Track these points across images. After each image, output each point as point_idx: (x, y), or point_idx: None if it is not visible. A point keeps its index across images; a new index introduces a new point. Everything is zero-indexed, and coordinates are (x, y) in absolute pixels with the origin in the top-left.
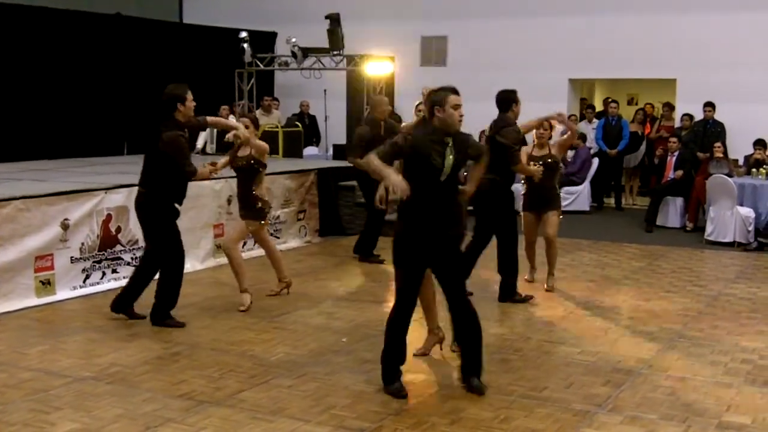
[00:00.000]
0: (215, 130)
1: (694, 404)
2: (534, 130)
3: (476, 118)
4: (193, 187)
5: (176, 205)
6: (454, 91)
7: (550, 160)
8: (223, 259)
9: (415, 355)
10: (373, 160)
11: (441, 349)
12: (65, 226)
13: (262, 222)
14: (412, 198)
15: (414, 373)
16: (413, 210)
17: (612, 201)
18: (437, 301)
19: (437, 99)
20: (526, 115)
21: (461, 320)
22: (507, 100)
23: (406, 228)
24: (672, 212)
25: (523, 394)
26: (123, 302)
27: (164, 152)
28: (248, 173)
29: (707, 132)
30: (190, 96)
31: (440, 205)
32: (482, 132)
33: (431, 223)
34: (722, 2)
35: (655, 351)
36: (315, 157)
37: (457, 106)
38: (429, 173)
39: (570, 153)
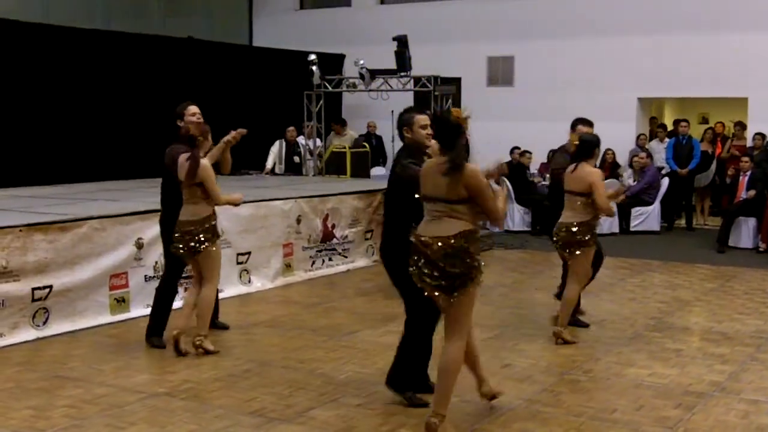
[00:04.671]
0: (284, 150)
1: None
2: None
3: (544, 137)
4: (261, 207)
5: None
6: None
7: None
8: (293, 278)
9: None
10: None
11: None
12: (139, 245)
13: None
14: None
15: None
16: None
17: (683, 221)
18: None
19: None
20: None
21: None
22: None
23: None
24: (744, 233)
25: (593, 415)
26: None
27: (167, 168)
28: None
29: None
30: (189, 110)
31: None
32: (550, 151)
33: None
34: None
35: (728, 373)
36: (382, 177)
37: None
38: None
39: (627, 173)
